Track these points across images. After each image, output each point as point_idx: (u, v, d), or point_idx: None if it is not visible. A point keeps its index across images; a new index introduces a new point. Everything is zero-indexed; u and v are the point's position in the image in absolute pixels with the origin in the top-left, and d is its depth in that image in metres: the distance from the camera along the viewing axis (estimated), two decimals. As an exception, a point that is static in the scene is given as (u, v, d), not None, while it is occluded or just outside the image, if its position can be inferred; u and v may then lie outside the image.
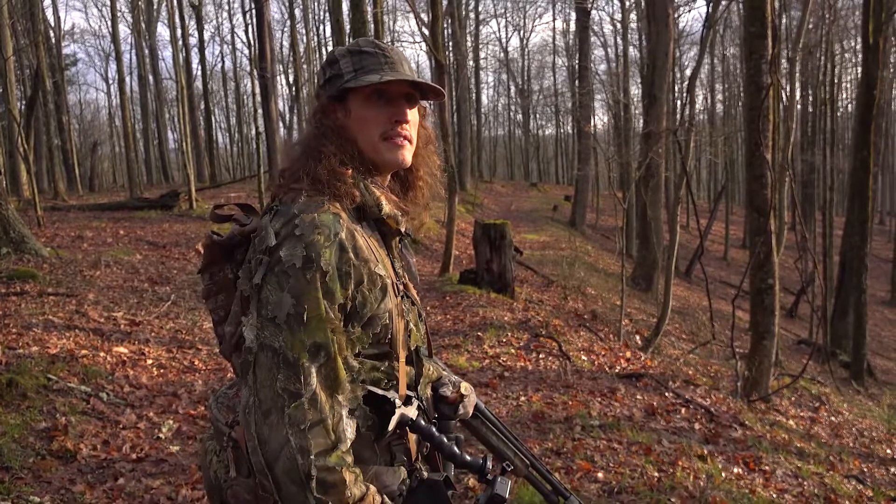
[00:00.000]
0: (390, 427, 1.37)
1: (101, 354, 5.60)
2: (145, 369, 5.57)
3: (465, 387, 1.61)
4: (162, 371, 5.62)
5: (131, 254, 9.84)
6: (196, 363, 5.92)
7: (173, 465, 4.08)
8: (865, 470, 6.17)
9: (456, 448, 1.45)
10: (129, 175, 19.80)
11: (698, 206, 22.35)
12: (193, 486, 3.78)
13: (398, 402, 1.40)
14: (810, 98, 28.20)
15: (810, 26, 21.94)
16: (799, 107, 16.16)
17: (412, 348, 1.50)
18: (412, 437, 1.48)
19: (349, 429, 1.32)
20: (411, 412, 1.42)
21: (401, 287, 1.48)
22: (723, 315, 14.61)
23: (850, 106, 38.21)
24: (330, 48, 36.55)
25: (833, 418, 8.35)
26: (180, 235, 11.89)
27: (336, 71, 1.47)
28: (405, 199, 1.56)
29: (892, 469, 6.59)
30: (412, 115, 1.49)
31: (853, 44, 34.06)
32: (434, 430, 1.43)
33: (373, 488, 1.33)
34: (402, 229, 1.49)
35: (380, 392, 1.39)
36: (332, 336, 1.31)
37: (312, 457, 1.24)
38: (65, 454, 4.02)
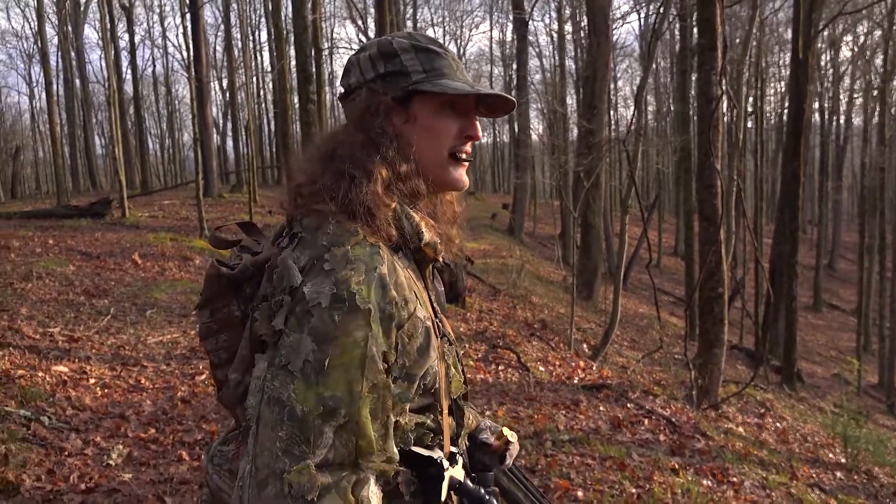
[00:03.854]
0: (443, 495, 1.18)
1: (40, 374, 5.25)
2: (88, 389, 5.24)
3: (510, 434, 1.42)
4: (106, 391, 5.29)
5: (64, 265, 9.35)
6: (143, 381, 5.60)
7: (127, 496, 3.80)
8: (815, 475, 6.29)
9: None
10: (57, 182, 18.95)
11: (633, 215, 22.80)
12: (152, 518, 3.53)
13: (445, 462, 1.21)
14: (741, 110, 29.12)
15: (737, 40, 22.62)
16: (727, 119, 16.65)
17: (454, 397, 1.29)
18: (454, 500, 1.26)
19: (374, 499, 1.07)
20: (458, 473, 1.24)
21: (439, 326, 1.26)
22: (663, 322, 14.84)
23: (773, 119, 39.60)
24: (267, 54, 36.17)
25: (778, 424, 8.53)
26: (115, 245, 11.39)
27: (398, 67, 1.23)
28: (436, 219, 1.33)
29: (839, 474, 6.74)
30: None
31: (777, 59, 35.45)
32: (482, 491, 1.25)
33: None
34: (440, 258, 1.29)
35: (425, 453, 1.19)
36: (364, 390, 1.07)
37: None
38: (6, 487, 3.70)
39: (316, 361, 1.04)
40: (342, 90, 1.29)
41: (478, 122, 1.29)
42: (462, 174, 1.28)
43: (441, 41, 1.28)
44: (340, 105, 1.30)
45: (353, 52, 1.30)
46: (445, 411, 1.24)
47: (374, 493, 1.07)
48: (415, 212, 1.24)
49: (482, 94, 1.24)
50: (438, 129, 1.24)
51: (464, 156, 1.27)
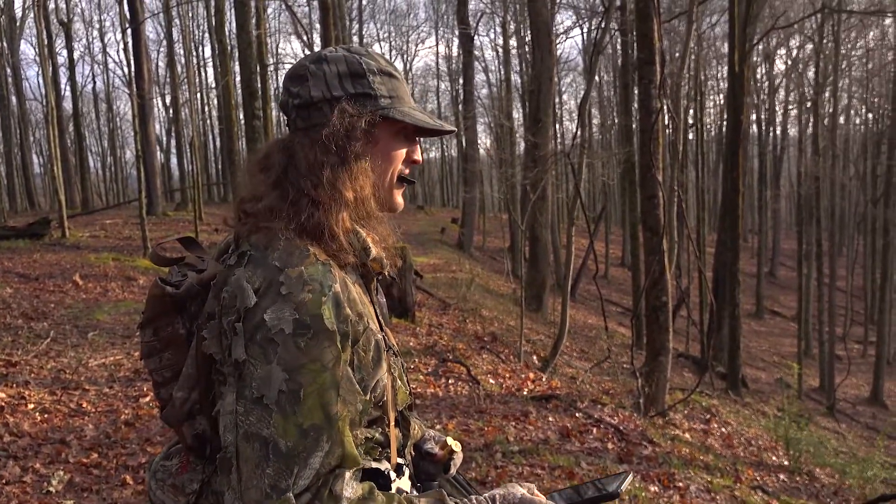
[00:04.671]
0: None
1: (-25, 401, 5.08)
2: (27, 415, 5.09)
3: (453, 443, 1.44)
4: (46, 416, 5.14)
5: (1, 288, 9.07)
6: (84, 405, 5.46)
7: (69, 522, 3.71)
8: (759, 478, 6.45)
9: None
10: (-8, 202, 18.41)
11: (580, 227, 23.15)
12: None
13: (392, 474, 1.22)
14: (681, 122, 29.85)
15: (677, 54, 23.22)
16: (669, 130, 17.09)
17: (400, 408, 1.30)
18: None
19: (349, 489, 1.09)
20: (405, 484, 1.25)
21: (385, 338, 1.27)
22: (610, 332, 15.04)
23: (713, 130, 40.65)
24: (211, 69, 35.77)
25: (723, 429, 8.71)
26: (54, 266, 11.09)
27: (366, 89, 1.23)
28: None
29: (782, 476, 6.92)
30: None
31: (715, 72, 36.46)
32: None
33: None
34: (385, 271, 1.30)
35: (372, 465, 1.20)
36: (341, 411, 1.09)
37: None
38: (-60, 518, 3.58)
39: (290, 392, 1.05)
40: (295, 100, 1.24)
41: (419, 146, 1.32)
42: (400, 197, 1.31)
43: (389, 57, 1.30)
44: (284, 114, 1.27)
45: (308, 59, 1.26)
46: (392, 423, 1.25)
47: (348, 483, 1.09)
48: (360, 228, 1.25)
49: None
50: (394, 155, 1.27)
51: (407, 179, 1.30)
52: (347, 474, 1.09)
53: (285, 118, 1.28)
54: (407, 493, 1.24)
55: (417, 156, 1.31)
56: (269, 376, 1.05)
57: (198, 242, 1.35)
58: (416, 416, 1.41)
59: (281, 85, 1.35)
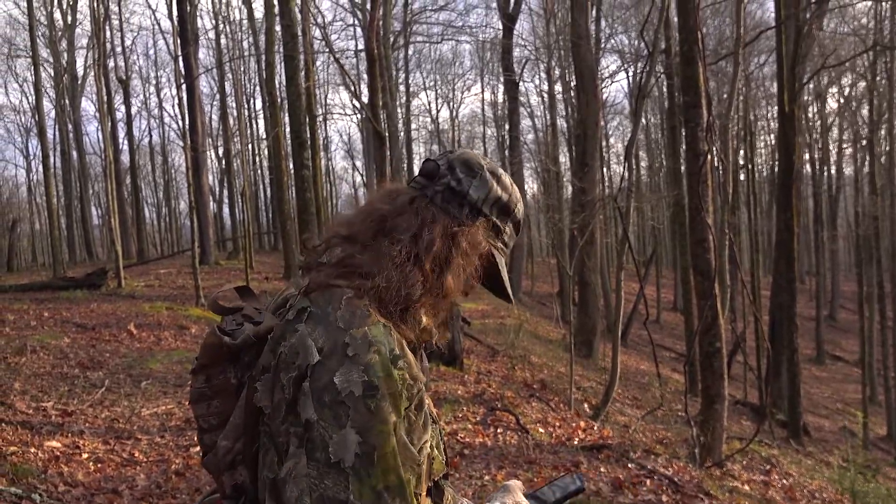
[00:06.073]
0: None
1: (32, 450, 5.17)
2: (81, 464, 5.15)
3: None
4: (99, 465, 5.21)
5: (59, 337, 9.31)
6: (136, 455, 5.52)
7: (119, 574, 3.71)
8: (824, 532, 6.16)
9: None
10: (53, 254, 18.96)
11: (629, 271, 22.89)
12: None
13: None
14: (730, 164, 29.48)
15: (724, 95, 23.03)
16: (718, 171, 16.87)
17: (435, 478, 1.28)
18: None
19: None
20: None
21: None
22: (664, 378, 14.71)
23: (764, 171, 40.05)
24: (262, 121, 36.71)
25: (784, 481, 8.38)
26: (110, 315, 11.35)
27: (501, 226, 1.34)
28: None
29: (849, 530, 6.60)
30: None
31: (765, 112, 36.03)
32: None
33: None
34: (434, 341, 1.31)
35: None
36: (408, 476, 1.10)
37: None
38: (-5, 568, 3.62)
39: (364, 455, 1.06)
40: (454, 183, 1.29)
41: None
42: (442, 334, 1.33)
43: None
44: (425, 176, 1.31)
45: (487, 164, 1.34)
46: (424, 493, 1.22)
47: None
48: None
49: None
50: (472, 280, 1.31)
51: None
52: None
53: (421, 178, 1.30)
54: None
55: (470, 292, 1.36)
56: (344, 440, 1.06)
57: (253, 292, 1.36)
58: (449, 486, 1.38)
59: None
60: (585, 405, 10.39)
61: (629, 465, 6.04)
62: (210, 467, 1.26)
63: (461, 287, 1.26)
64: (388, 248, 1.20)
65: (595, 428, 7.97)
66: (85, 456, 5.31)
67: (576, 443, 6.77)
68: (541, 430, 7.12)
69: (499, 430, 6.69)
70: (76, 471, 4.99)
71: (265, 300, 1.35)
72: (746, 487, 7.11)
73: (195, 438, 5.79)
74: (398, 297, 1.18)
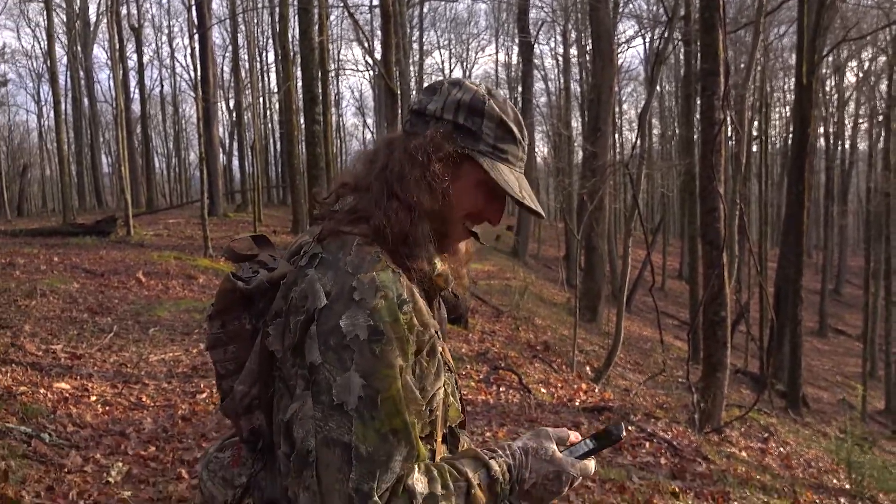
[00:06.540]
0: None
1: (41, 391, 5.26)
2: (89, 406, 5.24)
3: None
4: (107, 408, 5.30)
5: (68, 282, 9.39)
6: (144, 399, 5.61)
7: (126, 513, 3.80)
8: (818, 501, 6.24)
9: None
10: (63, 200, 19.03)
11: (637, 238, 22.86)
12: (150, 536, 3.52)
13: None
14: (744, 134, 29.22)
15: (742, 65, 22.73)
16: (732, 142, 16.67)
17: (451, 425, 1.31)
18: None
19: (419, 484, 1.12)
20: None
21: (442, 353, 1.27)
22: (666, 345, 14.78)
23: (777, 143, 39.68)
24: (273, 75, 36.50)
25: (781, 449, 8.46)
26: (119, 263, 11.43)
27: (475, 128, 1.23)
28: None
29: (843, 500, 6.68)
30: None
31: (782, 84, 35.57)
32: None
33: None
34: (449, 288, 1.30)
35: None
36: (413, 419, 1.11)
37: None
38: (6, 503, 3.70)
39: (367, 398, 1.07)
40: (415, 105, 1.27)
41: (503, 210, 1.31)
42: (461, 244, 1.32)
43: (471, 79, 1.30)
44: (410, 114, 1.29)
45: (449, 79, 1.29)
46: (439, 439, 1.25)
47: (418, 479, 1.11)
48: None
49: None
50: (465, 199, 1.25)
51: (470, 228, 1.30)
52: (416, 470, 1.12)
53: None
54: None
55: (492, 216, 1.29)
56: (347, 383, 1.07)
57: (270, 241, 1.37)
58: (465, 434, 1.40)
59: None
60: (587, 368, 10.47)
61: (629, 428, 6.11)
62: (228, 412, 1.27)
63: (438, 200, 1.20)
64: (386, 183, 1.21)
65: (596, 390, 8.05)
66: (93, 398, 5.40)
67: (577, 404, 6.84)
68: (543, 390, 7.19)
69: (501, 389, 6.76)
70: (84, 412, 5.08)
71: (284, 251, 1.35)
72: (744, 454, 7.19)
73: (201, 385, 5.90)
74: (395, 235, 1.18)
